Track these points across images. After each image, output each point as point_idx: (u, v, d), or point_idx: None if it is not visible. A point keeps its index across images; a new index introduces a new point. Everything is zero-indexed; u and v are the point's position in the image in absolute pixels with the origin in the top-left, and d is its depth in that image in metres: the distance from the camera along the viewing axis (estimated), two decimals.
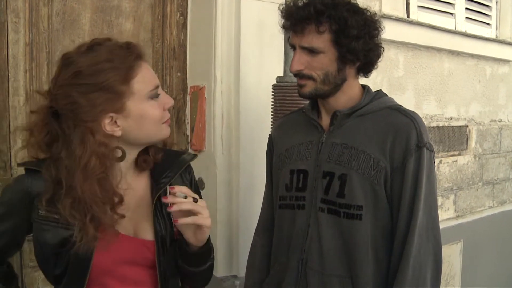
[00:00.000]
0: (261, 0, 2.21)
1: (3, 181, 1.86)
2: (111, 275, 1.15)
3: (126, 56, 1.10)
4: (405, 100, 3.02)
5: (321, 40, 1.32)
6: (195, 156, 1.30)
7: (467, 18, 3.57)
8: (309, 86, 1.37)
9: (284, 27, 1.40)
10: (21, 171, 1.87)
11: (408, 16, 3.10)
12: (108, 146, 1.10)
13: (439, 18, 3.34)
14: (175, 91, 2.30)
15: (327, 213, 1.37)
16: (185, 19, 2.32)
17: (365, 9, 1.36)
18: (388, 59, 2.90)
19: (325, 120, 1.44)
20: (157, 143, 1.23)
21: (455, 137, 3.57)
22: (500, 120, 4.01)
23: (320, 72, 1.35)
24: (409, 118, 1.36)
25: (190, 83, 2.33)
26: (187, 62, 2.34)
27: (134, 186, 1.19)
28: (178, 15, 2.30)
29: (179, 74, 2.32)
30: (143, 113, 1.12)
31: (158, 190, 1.19)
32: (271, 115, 2.00)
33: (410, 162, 1.31)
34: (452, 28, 3.43)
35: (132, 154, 1.19)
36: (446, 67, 3.43)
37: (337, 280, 1.36)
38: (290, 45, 1.41)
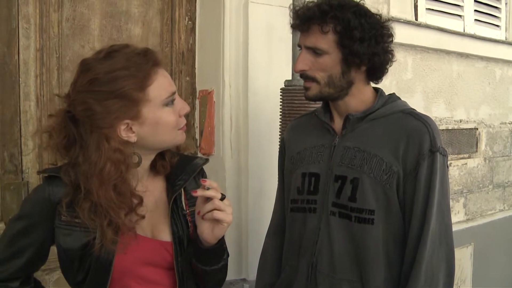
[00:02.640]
0: (269, 4, 2.22)
1: (14, 184, 1.88)
2: (132, 276, 1.16)
3: (143, 63, 1.11)
4: (414, 103, 2.99)
5: (325, 41, 1.32)
6: (207, 160, 1.31)
7: (476, 20, 3.55)
8: (314, 89, 1.37)
9: (292, 26, 1.40)
10: (33, 175, 1.91)
11: (416, 19, 3.09)
12: (123, 152, 1.11)
13: (447, 20, 3.33)
14: (184, 95, 2.31)
15: (338, 217, 1.36)
16: (194, 23, 2.33)
17: (377, 14, 1.36)
18: (397, 62, 2.84)
19: (338, 124, 1.43)
20: (171, 148, 1.24)
21: (465, 139, 3.55)
22: (511, 123, 3.98)
23: (324, 74, 1.34)
24: (422, 122, 1.35)
25: (198, 87, 2.34)
26: (196, 67, 2.35)
27: (151, 188, 1.21)
28: (187, 19, 2.31)
29: (187, 78, 2.33)
30: (159, 120, 1.13)
31: (173, 192, 1.22)
32: (280, 118, 2.00)
33: (423, 167, 1.30)
34: (461, 30, 3.41)
35: (147, 159, 1.20)
36: (455, 70, 3.42)
37: (347, 285, 1.35)
38: (298, 45, 1.41)
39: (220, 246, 1.18)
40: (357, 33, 1.29)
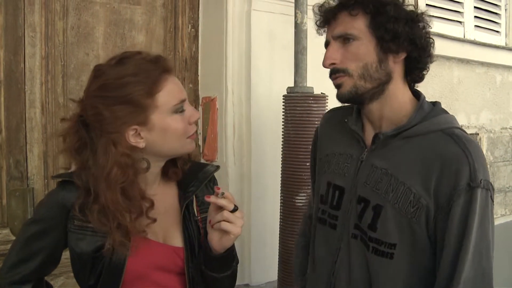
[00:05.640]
0: (272, 12, 2.25)
1: (19, 191, 1.90)
2: (144, 281, 1.17)
3: (153, 70, 1.13)
4: None
5: (355, 25, 1.16)
6: (218, 167, 1.32)
7: (476, 26, 3.58)
8: (347, 84, 1.17)
9: (317, 23, 1.25)
10: (38, 182, 1.93)
11: None
12: (131, 157, 1.12)
13: (448, 26, 3.36)
14: None
15: (360, 241, 1.21)
16: (197, 31, 2.36)
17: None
18: None
19: (369, 134, 1.25)
20: (182, 155, 1.25)
21: None
22: (511, 128, 4.00)
23: (357, 65, 1.16)
24: (462, 149, 1.11)
25: (202, 94, 2.37)
26: (199, 74, 2.37)
27: (163, 194, 1.23)
28: (190, 27, 2.34)
29: (191, 85, 2.35)
30: (167, 126, 1.14)
31: (186, 198, 1.23)
32: (282, 125, 2.01)
33: (458, 204, 1.07)
34: (461, 36, 3.44)
35: (157, 165, 1.21)
36: (456, 75, 3.44)
37: None
38: (326, 43, 1.23)
39: (230, 254, 1.19)
40: (391, 9, 1.13)
